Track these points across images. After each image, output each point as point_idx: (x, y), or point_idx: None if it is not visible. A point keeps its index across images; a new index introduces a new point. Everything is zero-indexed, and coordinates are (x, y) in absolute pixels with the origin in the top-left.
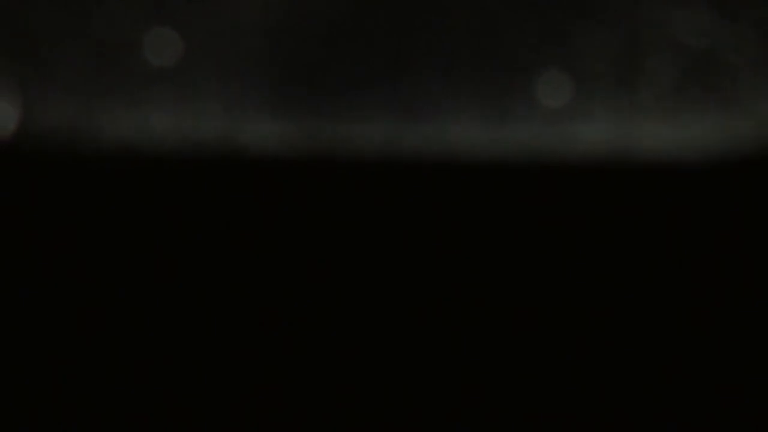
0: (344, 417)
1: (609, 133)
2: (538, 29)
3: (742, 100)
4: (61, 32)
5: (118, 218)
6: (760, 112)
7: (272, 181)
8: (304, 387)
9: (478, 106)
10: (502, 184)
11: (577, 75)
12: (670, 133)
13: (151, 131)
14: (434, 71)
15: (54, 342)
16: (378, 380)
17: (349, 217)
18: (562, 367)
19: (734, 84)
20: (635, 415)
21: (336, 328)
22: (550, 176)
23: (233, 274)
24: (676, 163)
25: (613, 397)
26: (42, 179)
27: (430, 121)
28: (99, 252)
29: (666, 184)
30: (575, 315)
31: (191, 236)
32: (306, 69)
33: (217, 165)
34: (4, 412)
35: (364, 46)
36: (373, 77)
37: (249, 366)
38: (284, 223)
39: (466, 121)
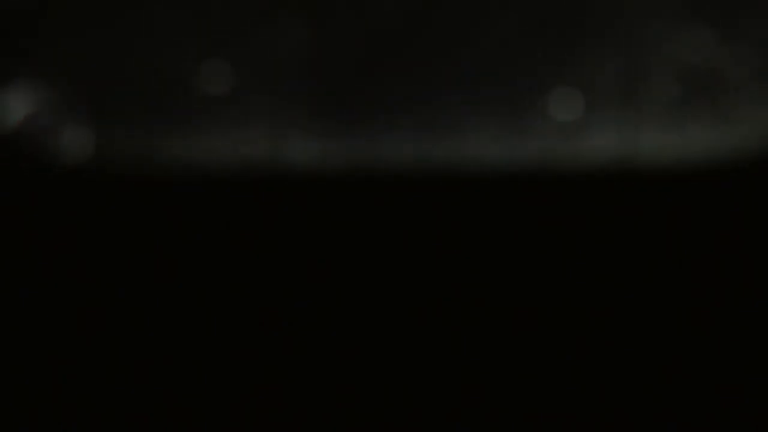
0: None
1: (616, 144)
2: (550, 52)
3: (739, 112)
4: (129, 70)
5: (180, 225)
6: (756, 122)
7: (314, 193)
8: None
9: (496, 124)
10: (518, 192)
11: (586, 92)
12: (672, 142)
13: (208, 152)
14: (457, 94)
15: (118, 355)
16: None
17: (381, 223)
18: (578, 375)
19: (732, 97)
20: (635, 416)
21: (372, 334)
22: (562, 184)
23: (283, 278)
24: (677, 170)
25: (613, 398)
26: (115, 196)
27: (453, 137)
28: (165, 257)
29: (668, 189)
30: (582, 312)
31: (241, 242)
32: (342, 95)
33: (265, 180)
34: (4, 412)
35: (394, 74)
36: (402, 101)
37: (281, 384)
38: (323, 230)
39: (485, 136)
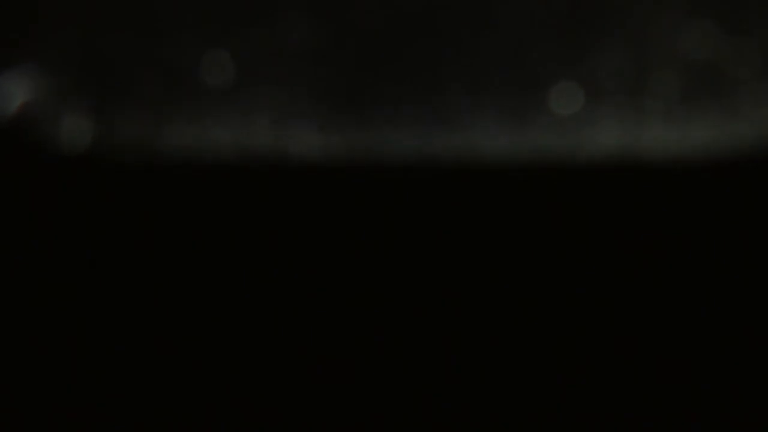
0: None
1: (618, 139)
2: (553, 46)
3: (742, 109)
4: (131, 59)
5: (181, 216)
6: (759, 119)
7: (316, 184)
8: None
9: (498, 117)
10: (520, 186)
11: (588, 86)
12: (674, 138)
13: (209, 143)
14: (460, 87)
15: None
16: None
17: (383, 215)
18: (582, 370)
19: (735, 93)
20: (635, 416)
21: (372, 327)
22: (564, 177)
23: (285, 270)
24: (679, 164)
25: (614, 399)
26: (114, 186)
27: (455, 130)
28: (166, 248)
29: (670, 183)
30: (583, 305)
31: (243, 233)
32: (346, 87)
33: (268, 171)
34: (4, 412)
35: (397, 67)
36: (406, 93)
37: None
38: (325, 222)
39: (487, 129)
